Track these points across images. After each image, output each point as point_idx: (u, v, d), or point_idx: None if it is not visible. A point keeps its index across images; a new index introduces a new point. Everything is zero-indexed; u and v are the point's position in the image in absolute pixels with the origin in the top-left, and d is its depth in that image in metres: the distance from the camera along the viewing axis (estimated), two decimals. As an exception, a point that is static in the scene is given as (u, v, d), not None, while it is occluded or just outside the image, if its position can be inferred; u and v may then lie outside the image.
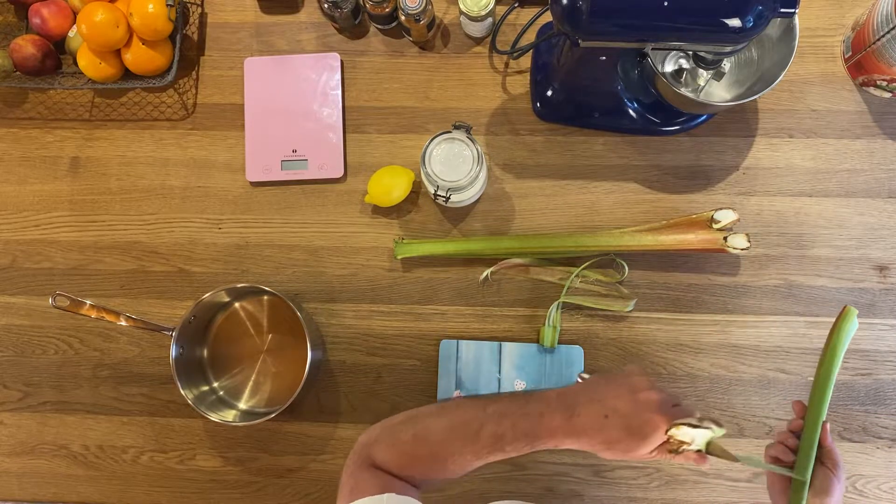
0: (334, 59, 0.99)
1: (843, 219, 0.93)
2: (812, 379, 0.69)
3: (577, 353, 0.92)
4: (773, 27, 0.84)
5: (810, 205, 0.94)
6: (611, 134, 0.96)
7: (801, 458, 0.68)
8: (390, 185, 0.93)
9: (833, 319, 0.67)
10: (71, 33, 0.99)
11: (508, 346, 0.92)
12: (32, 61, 0.96)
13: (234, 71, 1.01)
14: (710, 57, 0.81)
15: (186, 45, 1.02)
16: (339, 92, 0.98)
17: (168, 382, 0.92)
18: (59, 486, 0.95)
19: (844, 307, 0.68)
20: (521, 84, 0.99)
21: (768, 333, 0.92)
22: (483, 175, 0.89)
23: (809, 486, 0.66)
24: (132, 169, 1.00)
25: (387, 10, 0.95)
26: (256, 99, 0.99)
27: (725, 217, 0.88)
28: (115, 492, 0.95)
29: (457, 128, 0.85)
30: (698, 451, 0.61)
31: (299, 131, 0.98)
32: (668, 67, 0.92)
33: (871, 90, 0.95)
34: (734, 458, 0.61)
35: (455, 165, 0.84)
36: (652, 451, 0.62)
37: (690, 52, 0.83)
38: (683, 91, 0.83)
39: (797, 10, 0.72)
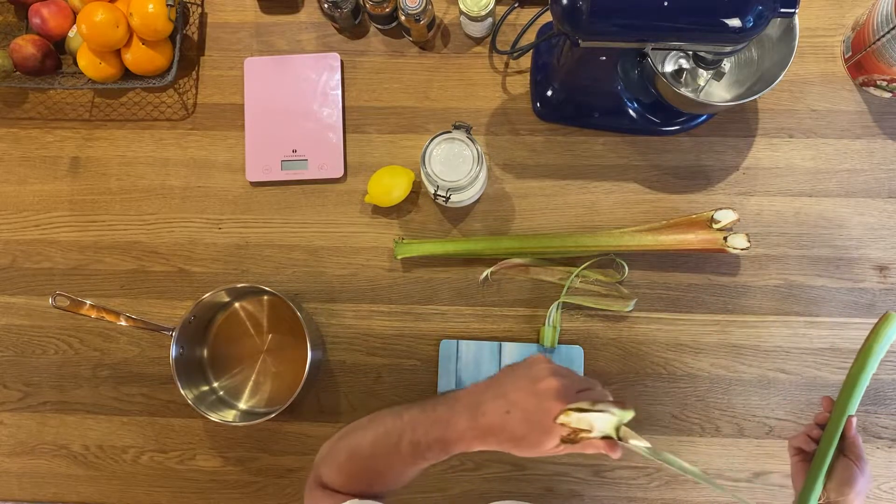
0: (334, 59, 0.99)
1: (843, 219, 0.93)
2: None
3: (577, 353, 0.92)
4: (773, 27, 0.84)
5: (810, 205, 0.94)
6: (611, 134, 0.96)
7: (821, 447, 0.68)
8: (390, 185, 0.93)
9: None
10: (71, 33, 0.99)
11: (508, 346, 0.92)
12: (32, 61, 0.96)
13: (234, 71, 1.01)
14: (710, 57, 0.81)
15: (186, 45, 1.02)
16: (339, 92, 0.98)
17: (168, 382, 0.92)
18: (59, 486, 0.95)
19: (886, 312, 0.69)
20: (521, 84, 0.99)
21: (768, 333, 0.92)
22: (483, 175, 0.89)
23: (831, 478, 0.67)
24: (132, 169, 1.00)
25: (387, 10, 0.95)
26: (256, 99, 0.99)
27: (725, 217, 0.88)
28: (115, 492, 0.95)
29: (457, 128, 0.84)
30: (606, 438, 0.56)
31: (299, 131, 0.98)
32: (668, 67, 0.92)
33: (871, 90, 0.95)
34: (645, 446, 0.56)
35: (455, 165, 0.84)
36: (558, 445, 0.57)
37: (690, 52, 0.83)
38: (683, 91, 0.83)
39: (797, 10, 0.72)
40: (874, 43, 0.88)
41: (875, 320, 0.69)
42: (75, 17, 0.97)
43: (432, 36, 1.00)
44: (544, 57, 0.97)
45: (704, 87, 0.88)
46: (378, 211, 0.97)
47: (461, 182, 0.83)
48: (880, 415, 0.90)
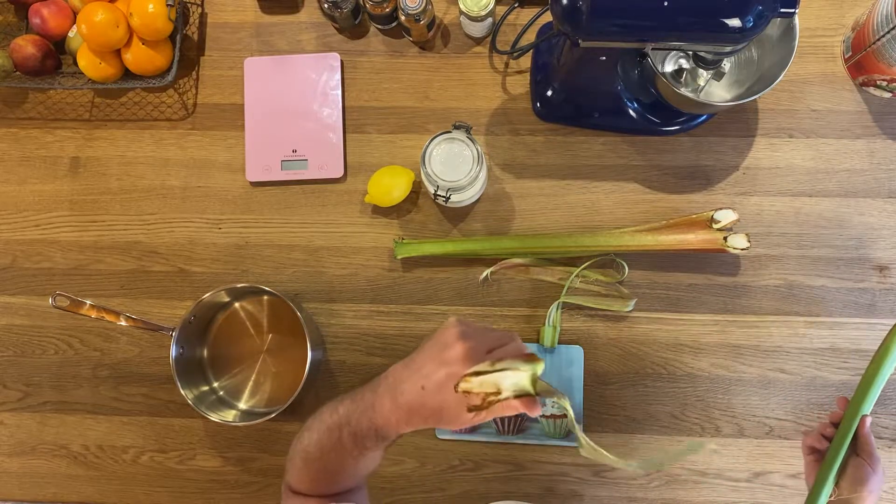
0: (334, 59, 0.99)
1: (843, 219, 0.93)
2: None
3: (577, 352, 0.92)
4: (773, 27, 0.84)
5: (810, 205, 0.94)
6: (611, 134, 0.96)
7: (833, 445, 0.69)
8: (390, 185, 0.93)
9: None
10: (71, 33, 0.99)
11: (508, 346, 0.92)
12: (32, 61, 0.96)
13: (234, 71, 1.01)
14: (710, 57, 0.81)
15: (186, 45, 1.02)
16: (339, 92, 0.98)
17: (168, 382, 0.92)
18: (59, 486, 0.95)
19: None
20: (521, 84, 0.99)
21: (768, 333, 0.92)
22: (483, 175, 0.89)
23: (844, 476, 0.67)
24: (132, 169, 1.00)
25: (387, 10, 0.95)
26: (256, 99, 0.99)
27: (725, 217, 0.88)
28: (115, 492, 0.95)
29: (457, 128, 0.84)
30: (521, 396, 0.51)
31: (299, 131, 0.98)
32: (668, 67, 0.92)
33: (871, 90, 0.95)
34: (562, 395, 0.52)
35: (455, 165, 0.84)
36: (472, 414, 0.53)
37: (690, 52, 0.83)
38: (683, 91, 0.83)
39: (797, 10, 0.72)
40: (874, 43, 0.88)
41: (875, 320, 0.69)
42: (75, 17, 0.97)
43: (432, 36, 1.00)
44: (544, 57, 0.97)
45: (704, 87, 0.88)
46: (378, 211, 0.97)
47: (461, 182, 0.83)
48: (880, 415, 0.90)
